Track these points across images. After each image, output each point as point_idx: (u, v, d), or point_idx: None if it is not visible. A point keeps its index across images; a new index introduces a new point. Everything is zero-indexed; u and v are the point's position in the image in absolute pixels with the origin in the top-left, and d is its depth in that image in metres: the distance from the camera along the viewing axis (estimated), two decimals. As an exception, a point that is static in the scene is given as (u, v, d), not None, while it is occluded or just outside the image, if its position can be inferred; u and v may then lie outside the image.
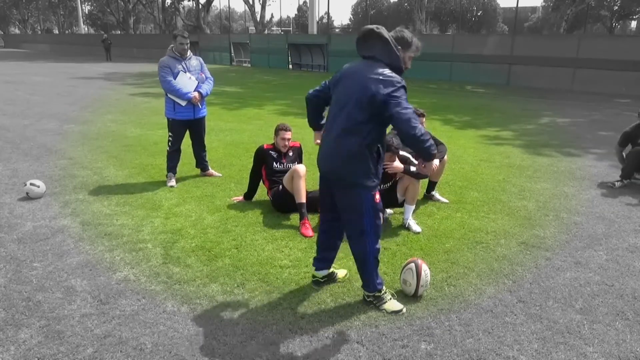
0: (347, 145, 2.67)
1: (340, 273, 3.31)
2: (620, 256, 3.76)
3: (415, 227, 4.19)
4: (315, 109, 3.18)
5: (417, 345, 2.64)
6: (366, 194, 2.74)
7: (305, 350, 2.59)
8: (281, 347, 2.61)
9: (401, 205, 4.40)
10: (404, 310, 2.93)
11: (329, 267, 3.21)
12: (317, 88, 3.07)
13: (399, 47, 2.67)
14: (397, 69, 2.67)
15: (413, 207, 4.31)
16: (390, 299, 2.99)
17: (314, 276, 3.20)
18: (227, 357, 2.53)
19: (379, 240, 2.90)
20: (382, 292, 2.97)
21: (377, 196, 2.78)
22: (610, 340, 2.70)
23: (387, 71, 2.61)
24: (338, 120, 2.72)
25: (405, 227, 4.24)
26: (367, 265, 2.91)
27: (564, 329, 2.79)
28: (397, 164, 4.17)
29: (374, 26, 2.68)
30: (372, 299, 2.98)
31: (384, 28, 2.68)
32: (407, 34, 2.74)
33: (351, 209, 2.80)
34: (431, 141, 2.62)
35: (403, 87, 2.60)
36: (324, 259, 3.16)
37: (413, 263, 3.09)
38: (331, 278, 3.24)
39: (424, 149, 2.62)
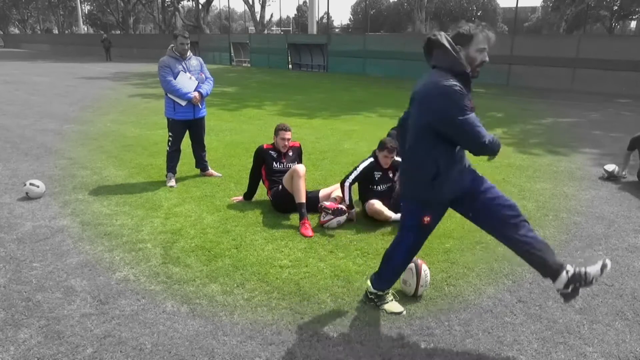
0: (410, 160, 2.61)
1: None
2: (619, 256, 3.76)
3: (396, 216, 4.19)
4: (403, 134, 2.77)
5: (417, 345, 2.64)
6: (414, 207, 2.63)
7: (305, 350, 2.59)
8: (281, 347, 2.61)
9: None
10: (404, 312, 2.92)
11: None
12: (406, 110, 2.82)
13: (459, 47, 2.40)
14: (459, 73, 2.38)
15: None
16: (392, 300, 2.97)
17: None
18: (227, 357, 2.53)
19: (411, 259, 2.84)
20: (385, 292, 2.95)
21: (427, 218, 2.60)
22: (610, 340, 2.70)
23: (440, 79, 2.35)
24: (408, 136, 2.62)
25: None
26: (387, 268, 2.86)
27: (563, 329, 2.79)
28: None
29: (430, 34, 2.48)
30: (373, 297, 2.95)
31: (442, 33, 2.45)
32: (465, 27, 2.44)
33: (401, 218, 2.79)
34: (489, 138, 2.39)
35: (454, 91, 2.32)
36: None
37: (413, 263, 3.09)
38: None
39: (488, 152, 2.46)
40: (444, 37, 2.42)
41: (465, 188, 2.61)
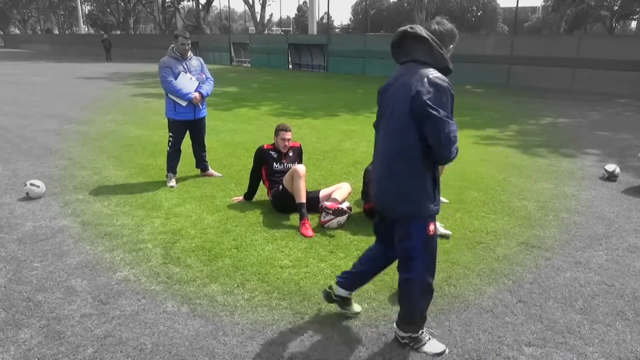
0: (397, 170, 2.29)
1: (356, 307, 2.87)
2: (620, 256, 3.76)
3: (444, 230, 4.08)
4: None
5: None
6: (417, 224, 2.34)
7: (305, 350, 2.59)
8: (281, 347, 2.61)
9: None
10: (447, 351, 2.57)
11: (352, 290, 2.78)
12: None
13: (451, 45, 2.27)
14: (444, 70, 2.22)
15: None
16: (430, 338, 2.61)
17: (330, 287, 2.81)
18: (227, 357, 2.53)
19: (432, 277, 2.46)
20: (420, 332, 2.59)
21: (432, 227, 2.35)
22: (611, 340, 2.70)
23: (432, 73, 2.17)
24: (385, 140, 2.35)
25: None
26: (409, 298, 2.50)
27: (564, 329, 2.79)
28: None
29: (407, 27, 2.24)
30: (407, 340, 2.58)
31: (419, 26, 2.23)
32: (450, 25, 2.28)
33: (402, 240, 2.40)
34: (454, 147, 2.21)
35: (440, 86, 2.14)
36: (352, 276, 2.74)
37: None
38: (343, 303, 2.80)
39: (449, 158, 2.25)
40: (426, 32, 2.22)
41: None
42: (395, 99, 2.26)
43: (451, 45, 2.30)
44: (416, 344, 2.57)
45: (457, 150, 2.22)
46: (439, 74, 2.18)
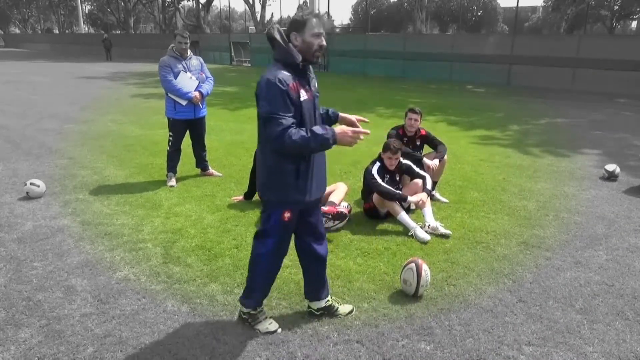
0: (262, 158, 2.49)
1: (344, 308, 2.93)
2: (620, 256, 3.76)
3: (444, 230, 4.10)
4: None
5: (417, 345, 2.64)
6: (273, 210, 2.51)
7: (305, 350, 2.59)
8: (281, 347, 2.61)
9: (407, 210, 4.38)
10: (279, 330, 2.73)
11: (324, 297, 2.87)
12: None
13: (295, 33, 2.37)
14: (291, 65, 2.37)
15: (430, 208, 4.28)
16: (265, 317, 2.77)
17: (308, 307, 2.91)
18: (227, 357, 2.53)
19: (281, 258, 2.67)
20: (258, 310, 2.75)
21: (287, 214, 2.49)
22: (610, 340, 2.70)
23: (270, 71, 2.34)
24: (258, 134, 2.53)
25: (433, 232, 4.09)
26: (256, 271, 2.67)
27: (564, 329, 2.79)
28: (423, 196, 4.24)
29: (269, 27, 2.45)
30: (247, 317, 2.75)
31: (276, 26, 2.44)
32: (298, 14, 2.42)
33: (264, 221, 2.58)
34: (283, 140, 2.27)
35: (269, 83, 2.28)
36: (308, 284, 2.85)
37: (413, 263, 3.10)
38: (329, 311, 2.88)
39: (291, 149, 2.32)
40: (276, 31, 2.40)
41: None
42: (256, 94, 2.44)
43: (300, 32, 2.37)
44: (253, 320, 2.74)
45: (287, 142, 2.27)
46: (275, 71, 2.32)
